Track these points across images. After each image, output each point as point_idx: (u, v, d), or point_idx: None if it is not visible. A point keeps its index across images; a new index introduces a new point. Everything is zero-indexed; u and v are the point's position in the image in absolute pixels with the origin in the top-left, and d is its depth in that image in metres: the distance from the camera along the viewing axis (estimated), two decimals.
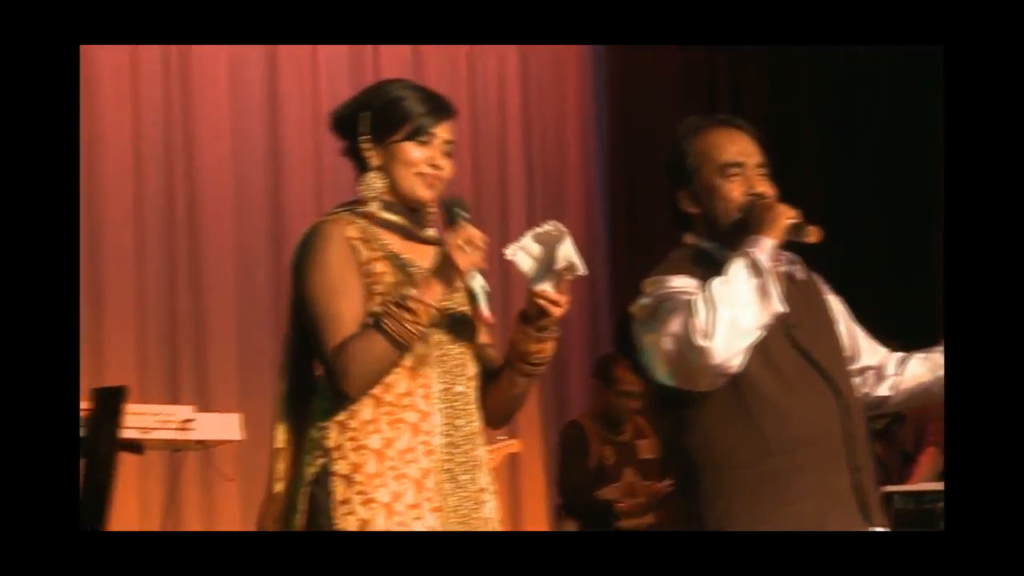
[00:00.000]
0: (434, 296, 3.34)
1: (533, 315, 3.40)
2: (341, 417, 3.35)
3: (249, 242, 7.83)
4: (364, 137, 3.47)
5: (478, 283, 3.37)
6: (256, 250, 7.83)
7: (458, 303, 3.46)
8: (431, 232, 3.53)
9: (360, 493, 3.31)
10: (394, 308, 3.31)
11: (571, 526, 6.99)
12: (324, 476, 3.34)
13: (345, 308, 3.35)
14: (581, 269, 3.37)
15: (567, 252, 3.35)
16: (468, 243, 3.34)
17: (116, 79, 7.48)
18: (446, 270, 3.35)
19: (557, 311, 3.39)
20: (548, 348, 3.45)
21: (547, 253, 3.37)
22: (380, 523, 3.30)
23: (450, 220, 3.40)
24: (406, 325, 3.30)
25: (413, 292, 3.32)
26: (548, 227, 3.38)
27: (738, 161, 3.63)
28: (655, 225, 7.64)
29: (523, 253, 3.38)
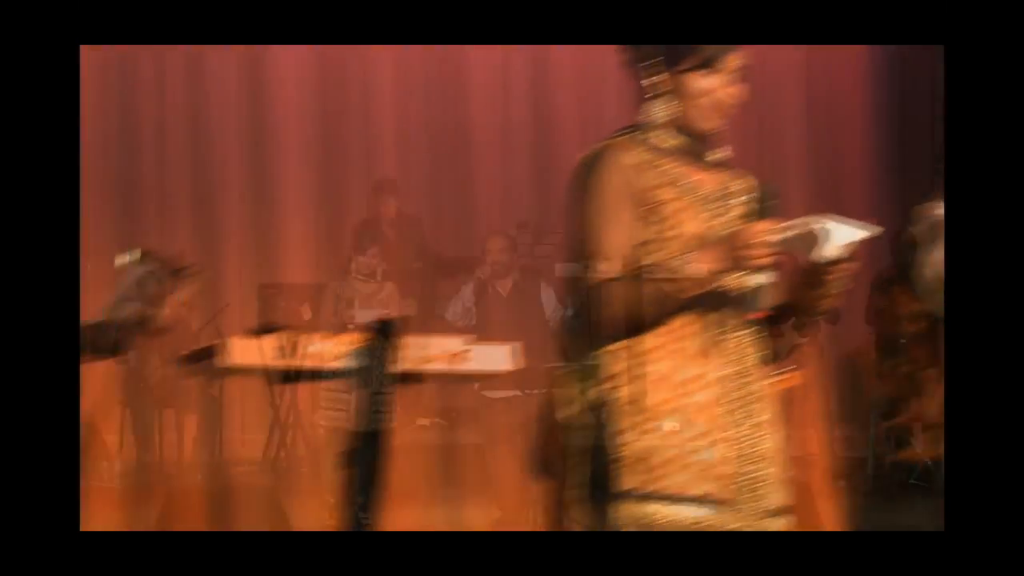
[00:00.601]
0: (710, 262, 3.26)
1: (815, 278, 3.33)
2: (624, 344, 3.31)
3: (517, 171, 7.84)
4: (652, 62, 3.40)
5: (758, 279, 3.30)
6: (525, 176, 7.84)
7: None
8: (718, 155, 3.45)
9: (642, 421, 3.27)
10: (667, 266, 3.25)
11: (852, 456, 6.89)
12: (605, 402, 3.30)
13: (614, 238, 3.32)
14: (871, 232, 3.26)
15: (842, 239, 3.24)
16: (757, 241, 3.23)
17: None
18: (731, 245, 3.25)
19: (842, 274, 3.31)
20: (830, 302, 3.38)
21: (815, 245, 3.25)
22: (661, 452, 3.26)
23: (760, 208, 3.32)
24: (674, 287, 3.25)
25: (692, 256, 3.26)
26: (813, 224, 3.24)
27: None
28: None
29: (794, 242, 3.27)
